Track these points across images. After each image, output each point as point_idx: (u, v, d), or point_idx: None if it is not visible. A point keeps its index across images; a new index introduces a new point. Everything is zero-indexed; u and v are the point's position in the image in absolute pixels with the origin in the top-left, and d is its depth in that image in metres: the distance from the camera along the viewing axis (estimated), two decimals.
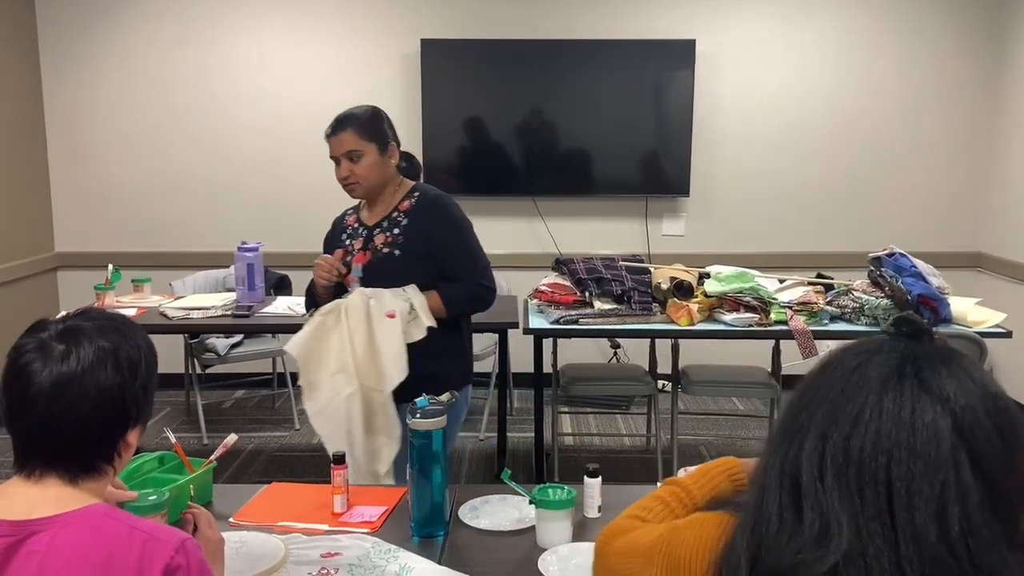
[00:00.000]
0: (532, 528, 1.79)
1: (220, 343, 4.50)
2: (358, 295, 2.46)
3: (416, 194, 2.59)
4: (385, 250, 2.52)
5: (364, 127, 2.53)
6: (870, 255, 3.62)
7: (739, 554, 0.90)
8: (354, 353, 2.42)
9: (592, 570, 1.23)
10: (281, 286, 4.56)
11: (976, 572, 0.81)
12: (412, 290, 2.48)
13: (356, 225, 2.62)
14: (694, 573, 1.01)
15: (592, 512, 1.87)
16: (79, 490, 1.17)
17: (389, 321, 2.42)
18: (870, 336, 1.01)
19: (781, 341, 3.93)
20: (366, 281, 2.50)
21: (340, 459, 1.91)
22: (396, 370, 2.42)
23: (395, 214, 2.56)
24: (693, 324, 3.42)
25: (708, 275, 3.61)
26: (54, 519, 1.12)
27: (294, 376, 4.91)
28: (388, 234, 2.53)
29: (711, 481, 1.35)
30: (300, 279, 4.65)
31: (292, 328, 3.84)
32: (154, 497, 1.59)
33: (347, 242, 2.59)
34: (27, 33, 5.01)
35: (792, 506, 0.87)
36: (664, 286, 3.51)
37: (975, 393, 0.88)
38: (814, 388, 0.92)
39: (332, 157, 2.55)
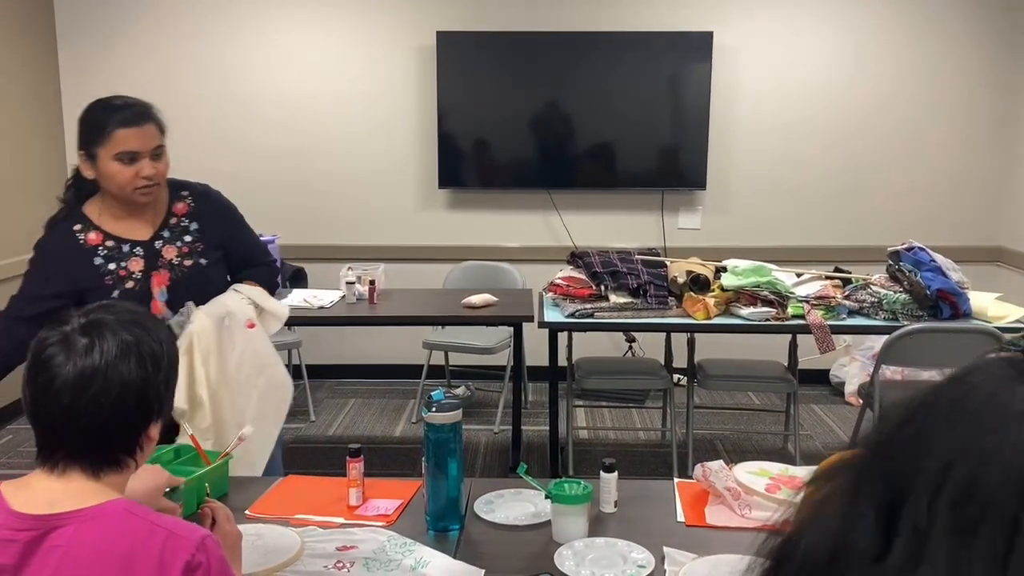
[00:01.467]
0: (548, 523, 1.78)
1: None
2: (205, 318, 2.11)
3: (183, 192, 2.28)
4: (188, 262, 2.19)
5: (161, 121, 2.15)
6: (889, 249, 3.59)
7: (820, 557, 0.88)
8: (210, 382, 2.12)
9: None
10: (297, 278, 4.56)
11: None
12: (245, 287, 2.23)
13: (111, 244, 2.14)
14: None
15: (608, 507, 1.86)
16: (101, 484, 1.18)
17: (252, 331, 2.17)
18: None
19: (798, 335, 3.90)
20: (176, 301, 2.14)
21: (356, 452, 1.91)
22: (285, 372, 2.31)
23: (174, 220, 2.22)
24: (709, 318, 3.40)
25: (724, 269, 3.59)
26: (76, 513, 1.13)
27: (310, 368, 4.94)
28: (179, 244, 2.19)
29: None
30: (316, 272, 4.67)
31: (307, 320, 3.89)
32: (168, 491, 1.59)
33: (110, 267, 2.13)
34: (45, 27, 5.03)
35: (886, 519, 0.82)
36: (680, 280, 3.49)
37: None
38: (945, 403, 0.86)
39: (124, 153, 2.04)
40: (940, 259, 3.45)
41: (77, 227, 2.16)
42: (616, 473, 1.87)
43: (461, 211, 5.23)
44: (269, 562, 1.61)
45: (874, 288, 3.48)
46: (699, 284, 3.47)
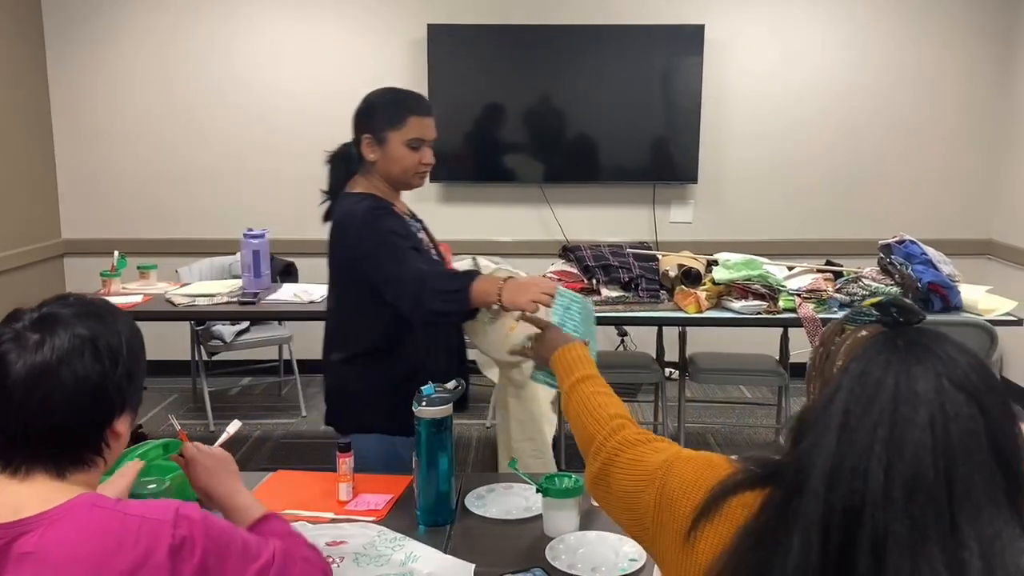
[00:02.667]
0: (539, 517, 1.78)
1: (226, 330, 4.50)
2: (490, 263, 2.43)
3: None
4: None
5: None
6: (880, 242, 3.59)
7: None
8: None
9: (594, 467, 1.25)
10: (287, 273, 4.55)
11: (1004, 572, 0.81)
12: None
13: (405, 216, 2.32)
14: (682, 509, 1.04)
15: None
16: (68, 483, 1.13)
17: None
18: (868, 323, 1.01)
19: (789, 329, 3.90)
20: None
21: (346, 447, 1.90)
22: None
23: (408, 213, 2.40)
24: (701, 312, 3.40)
25: (716, 262, 3.59)
26: (39, 518, 1.08)
27: (301, 363, 4.92)
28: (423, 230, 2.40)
29: None
30: (306, 266, 4.65)
31: (298, 315, 3.87)
32: (153, 486, 1.58)
33: (419, 235, 2.31)
34: (32, 19, 4.99)
35: (845, 546, 0.85)
36: (672, 273, 3.49)
37: (982, 374, 0.89)
38: (858, 414, 0.88)
39: (415, 140, 2.22)
40: (931, 252, 3.45)
41: (381, 199, 2.25)
42: None
43: (452, 205, 5.22)
44: None
45: (865, 281, 3.48)
46: (690, 278, 3.47)
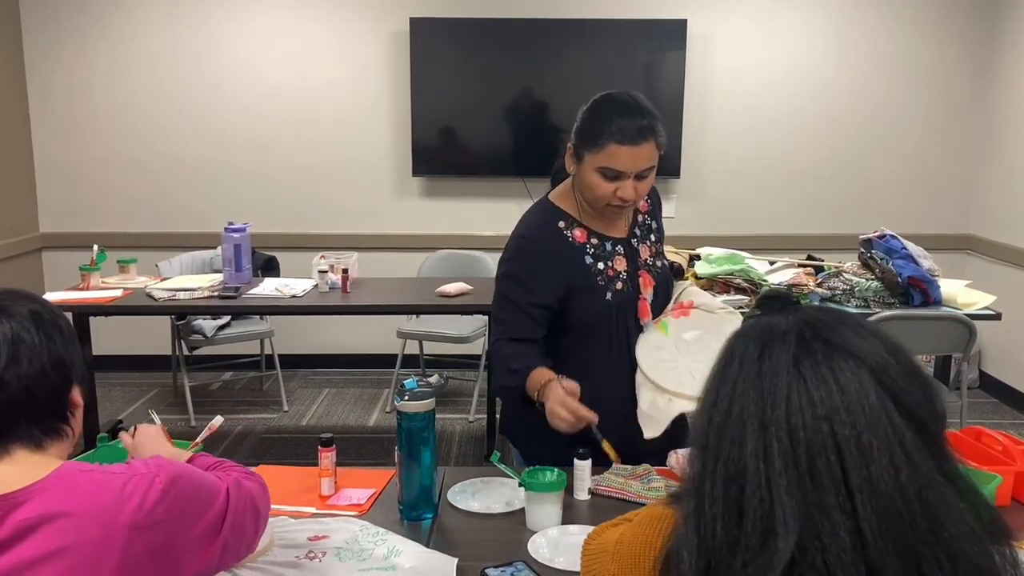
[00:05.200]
0: (522, 511, 1.77)
1: (207, 325, 4.47)
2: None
3: None
4: (658, 263, 2.09)
5: (662, 138, 1.92)
6: (861, 237, 3.61)
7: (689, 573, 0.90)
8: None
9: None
10: (269, 267, 4.52)
11: (924, 511, 0.85)
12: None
13: (595, 241, 2.00)
14: (643, 571, 1.04)
15: (582, 495, 1.85)
16: (48, 455, 1.19)
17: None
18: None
19: None
20: (654, 304, 2.04)
21: (327, 442, 1.89)
22: None
23: (640, 218, 2.09)
24: None
25: (698, 257, 3.60)
26: (31, 488, 1.12)
27: (282, 358, 4.90)
28: (647, 243, 2.08)
29: None
30: (288, 260, 4.63)
31: (280, 309, 3.85)
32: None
33: (599, 266, 1.99)
34: (8, 9, 4.93)
35: (736, 511, 0.88)
36: None
37: (878, 342, 0.93)
38: (729, 385, 0.94)
39: (610, 170, 1.89)
40: (911, 247, 3.48)
41: (561, 223, 2.01)
42: (590, 460, 1.86)
43: (435, 199, 5.21)
44: None
45: (846, 276, 3.51)
46: (673, 272, 3.48)
